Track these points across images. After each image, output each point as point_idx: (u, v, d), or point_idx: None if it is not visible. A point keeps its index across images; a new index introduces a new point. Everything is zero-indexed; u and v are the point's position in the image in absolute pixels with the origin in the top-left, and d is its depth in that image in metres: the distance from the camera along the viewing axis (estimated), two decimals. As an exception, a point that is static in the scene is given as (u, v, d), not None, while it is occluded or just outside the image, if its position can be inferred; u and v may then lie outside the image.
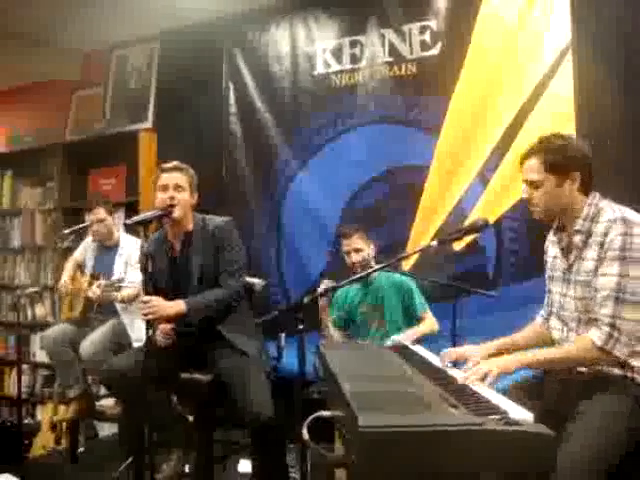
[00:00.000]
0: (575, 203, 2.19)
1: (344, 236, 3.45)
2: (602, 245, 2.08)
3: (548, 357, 2.15)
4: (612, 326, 2.02)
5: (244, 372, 2.92)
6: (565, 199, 2.19)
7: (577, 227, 2.17)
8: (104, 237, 4.21)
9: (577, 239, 2.18)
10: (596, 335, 2.04)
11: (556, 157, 2.16)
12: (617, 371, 2.08)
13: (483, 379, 1.98)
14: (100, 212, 4.14)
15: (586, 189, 2.19)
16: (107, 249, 4.22)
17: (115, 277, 3.94)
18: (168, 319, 3.01)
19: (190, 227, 3.14)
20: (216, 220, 3.16)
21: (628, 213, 2.10)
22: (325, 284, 3.18)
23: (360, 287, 3.48)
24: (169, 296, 3.04)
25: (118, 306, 4.02)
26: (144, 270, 2.90)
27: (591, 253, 2.13)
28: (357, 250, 3.38)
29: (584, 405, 2.01)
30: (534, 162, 2.20)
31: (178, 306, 2.98)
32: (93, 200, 4.31)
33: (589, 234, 2.15)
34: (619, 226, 2.05)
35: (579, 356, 2.09)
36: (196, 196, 3.15)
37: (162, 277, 3.16)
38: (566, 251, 2.26)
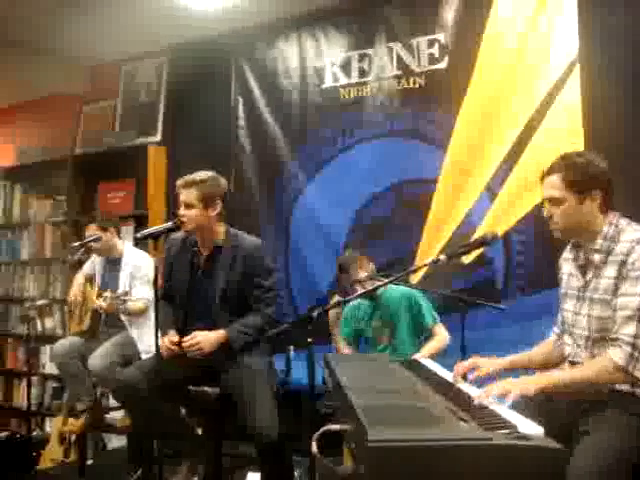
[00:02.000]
0: (594, 222, 2.16)
1: (344, 268, 3.42)
2: (623, 264, 2.06)
3: (569, 379, 2.09)
4: (633, 346, 2.00)
5: (251, 388, 2.94)
6: (585, 218, 2.16)
7: (596, 247, 2.14)
8: (104, 253, 4.22)
9: (596, 258, 2.15)
10: (617, 355, 2.02)
11: (577, 175, 2.14)
12: (625, 388, 2.06)
13: (504, 397, 1.95)
14: (92, 230, 4.14)
15: (606, 208, 2.17)
16: (113, 263, 4.22)
17: (120, 290, 3.95)
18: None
19: (220, 240, 3.17)
20: (248, 242, 3.17)
21: None
22: (334, 298, 3.19)
23: (369, 302, 3.46)
24: (184, 304, 3.08)
25: (125, 319, 4.03)
26: (155, 282, 2.90)
27: (610, 272, 2.10)
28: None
29: (592, 422, 2.00)
30: (555, 179, 2.16)
31: (222, 336, 3.04)
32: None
33: (609, 253, 2.12)
34: None
35: (600, 377, 2.05)
36: (218, 206, 3.11)
37: (180, 283, 3.19)
38: (583, 269, 2.23)
